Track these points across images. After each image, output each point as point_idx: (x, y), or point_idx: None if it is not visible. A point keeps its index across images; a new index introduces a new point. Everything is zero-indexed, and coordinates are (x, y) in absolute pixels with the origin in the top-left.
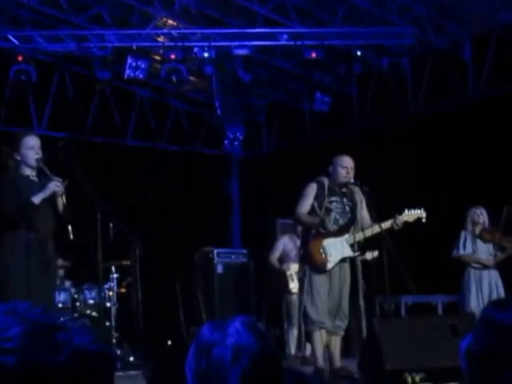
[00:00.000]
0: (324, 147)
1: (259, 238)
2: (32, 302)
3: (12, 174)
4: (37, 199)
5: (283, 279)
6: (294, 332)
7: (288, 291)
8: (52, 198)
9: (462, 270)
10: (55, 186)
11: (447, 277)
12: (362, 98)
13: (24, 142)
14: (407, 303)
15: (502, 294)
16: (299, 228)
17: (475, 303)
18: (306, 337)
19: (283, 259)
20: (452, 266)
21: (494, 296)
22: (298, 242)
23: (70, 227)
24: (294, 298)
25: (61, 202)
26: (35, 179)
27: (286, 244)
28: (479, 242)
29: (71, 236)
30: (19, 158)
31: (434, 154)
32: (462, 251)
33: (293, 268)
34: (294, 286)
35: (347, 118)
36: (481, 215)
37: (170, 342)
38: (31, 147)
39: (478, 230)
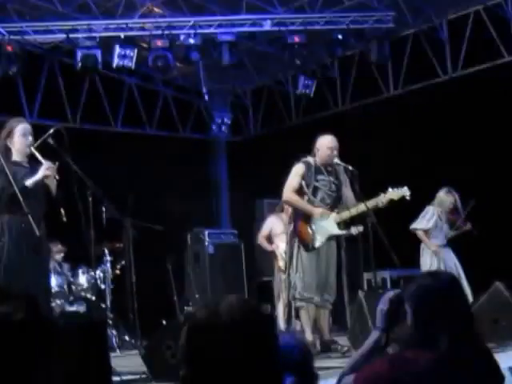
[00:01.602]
0: (309, 129)
1: (247, 218)
2: (25, 286)
3: (3, 160)
4: (29, 183)
5: (273, 258)
6: (284, 309)
7: (278, 269)
8: (44, 181)
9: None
10: (47, 169)
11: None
12: (345, 80)
13: (16, 129)
14: (393, 277)
15: (461, 269)
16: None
17: None
18: (295, 312)
19: (272, 239)
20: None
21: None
22: (285, 220)
23: (62, 210)
24: (282, 276)
25: (53, 184)
26: (27, 165)
27: (274, 223)
28: (442, 222)
29: (64, 218)
30: (10, 145)
31: (415, 135)
32: (418, 225)
33: (281, 247)
34: (282, 264)
35: (331, 100)
36: (454, 202)
37: (164, 322)
38: (23, 134)
39: (445, 214)
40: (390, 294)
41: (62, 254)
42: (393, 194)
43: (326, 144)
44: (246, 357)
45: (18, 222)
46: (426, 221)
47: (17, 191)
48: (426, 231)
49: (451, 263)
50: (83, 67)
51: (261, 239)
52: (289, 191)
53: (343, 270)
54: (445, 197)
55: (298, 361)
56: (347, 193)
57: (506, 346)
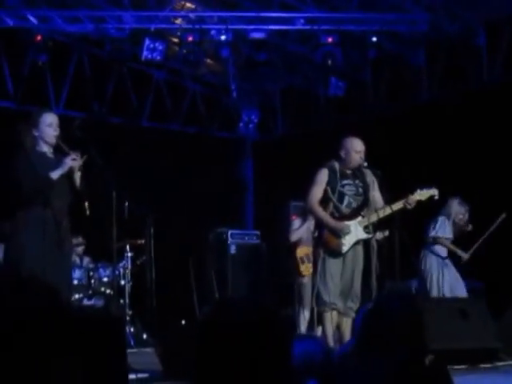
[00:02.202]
0: (338, 132)
1: (272, 220)
2: (48, 279)
3: (29, 150)
4: (55, 175)
5: (295, 261)
6: (306, 313)
7: (299, 273)
8: (69, 174)
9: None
10: (73, 160)
11: (459, 261)
12: (377, 83)
13: (43, 119)
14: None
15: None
16: None
17: (436, 291)
18: (318, 318)
19: (299, 242)
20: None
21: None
22: (311, 224)
23: (86, 203)
24: (306, 280)
25: (78, 177)
26: (52, 156)
27: (300, 226)
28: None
29: (87, 212)
30: (37, 135)
31: (446, 140)
32: (440, 233)
33: (304, 251)
34: (304, 268)
35: (361, 103)
36: (465, 214)
37: (184, 322)
38: (49, 124)
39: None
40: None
41: (83, 247)
42: (420, 194)
43: (353, 147)
44: (259, 359)
45: (42, 215)
46: (449, 229)
47: (41, 183)
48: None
49: (453, 279)
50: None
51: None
52: (313, 201)
53: (373, 275)
54: (457, 207)
55: (321, 365)
56: (375, 195)
57: None
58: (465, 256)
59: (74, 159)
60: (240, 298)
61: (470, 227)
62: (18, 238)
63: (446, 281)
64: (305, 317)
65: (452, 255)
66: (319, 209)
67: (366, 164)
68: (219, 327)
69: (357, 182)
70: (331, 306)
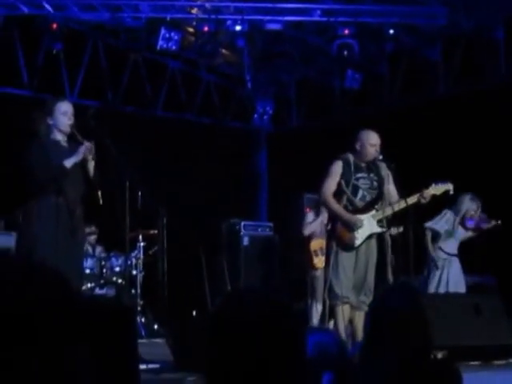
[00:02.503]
0: (353, 125)
1: (286, 212)
2: (60, 268)
3: (43, 138)
4: (68, 163)
5: (308, 254)
6: (318, 307)
7: (312, 266)
8: (82, 162)
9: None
10: (87, 149)
11: (472, 256)
12: (393, 76)
13: (57, 107)
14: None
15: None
16: None
17: (439, 288)
18: (330, 311)
19: (312, 235)
20: (477, 245)
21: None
22: (324, 217)
23: (99, 192)
24: (319, 273)
25: (91, 166)
26: (66, 145)
27: (313, 219)
28: (460, 228)
29: (101, 201)
30: (51, 123)
31: (461, 135)
32: (431, 225)
33: (318, 243)
34: (317, 261)
35: (377, 96)
36: (477, 211)
37: (195, 313)
38: (64, 112)
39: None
40: None
41: (95, 236)
42: (435, 188)
43: (368, 140)
44: (271, 351)
45: (56, 203)
46: (444, 222)
47: (55, 172)
48: (437, 234)
49: (457, 277)
50: None
51: (306, 233)
52: (326, 193)
53: (388, 268)
54: (469, 203)
55: (335, 357)
56: (390, 189)
57: None
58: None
59: (87, 148)
60: (251, 290)
61: (493, 223)
62: (31, 226)
63: (450, 278)
64: (317, 310)
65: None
66: (333, 201)
67: (381, 157)
68: (231, 319)
69: (371, 175)
70: (343, 300)
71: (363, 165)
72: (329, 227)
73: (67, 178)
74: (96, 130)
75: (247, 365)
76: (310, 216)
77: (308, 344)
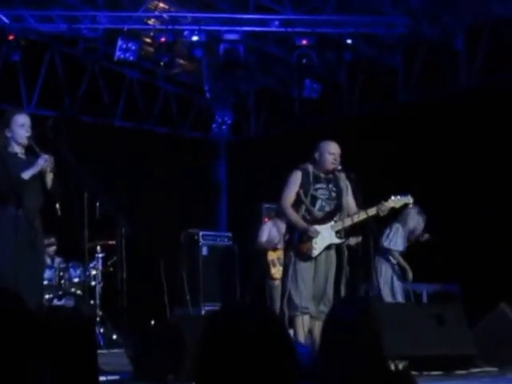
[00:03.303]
0: (312, 133)
1: (245, 222)
2: (19, 279)
3: (1, 150)
4: (26, 175)
5: (265, 264)
6: None
7: (270, 277)
8: (41, 174)
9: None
10: (44, 161)
11: (433, 265)
12: (352, 85)
13: (15, 120)
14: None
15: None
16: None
17: (390, 296)
18: (289, 321)
19: (267, 246)
20: (437, 255)
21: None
22: (282, 227)
23: (58, 204)
24: (277, 283)
25: (49, 178)
26: (23, 157)
27: (270, 230)
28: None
29: (59, 213)
30: (9, 135)
31: (421, 143)
32: (392, 246)
33: (275, 254)
34: (275, 271)
35: (336, 105)
36: (422, 224)
37: (153, 322)
38: (22, 125)
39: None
40: None
41: (54, 248)
42: (395, 201)
43: (328, 150)
44: (267, 362)
45: (15, 215)
46: (401, 240)
47: (14, 183)
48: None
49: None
50: None
51: (261, 242)
52: (285, 203)
53: (342, 280)
54: (418, 217)
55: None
56: (348, 200)
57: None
58: (410, 274)
59: (45, 160)
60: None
61: (426, 236)
62: None
63: (398, 288)
64: None
65: (424, 259)
66: (291, 211)
67: (340, 167)
68: (225, 331)
69: (330, 186)
70: (303, 310)
71: (322, 175)
72: (287, 237)
73: (26, 190)
74: (54, 141)
75: (239, 374)
76: (265, 225)
77: None
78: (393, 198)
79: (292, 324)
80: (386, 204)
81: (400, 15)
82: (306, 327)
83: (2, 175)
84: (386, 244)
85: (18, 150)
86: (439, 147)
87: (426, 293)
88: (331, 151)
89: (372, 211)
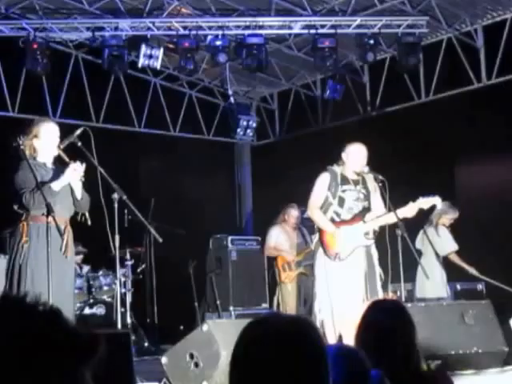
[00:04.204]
0: (336, 135)
1: (270, 225)
2: (52, 288)
3: (30, 160)
4: (56, 185)
5: (276, 269)
6: None
7: (281, 281)
8: (70, 183)
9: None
10: (73, 171)
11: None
12: (375, 85)
13: (43, 129)
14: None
15: None
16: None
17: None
18: (320, 324)
19: (277, 251)
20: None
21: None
22: (291, 233)
23: (87, 213)
24: (289, 287)
25: (79, 187)
26: (52, 166)
27: (278, 235)
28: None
29: (89, 222)
30: (38, 145)
31: (444, 141)
32: (451, 248)
33: (285, 258)
34: (285, 276)
35: (359, 105)
36: (455, 217)
37: (182, 327)
38: (50, 134)
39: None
40: None
41: (82, 256)
42: (423, 202)
43: (355, 152)
44: (303, 371)
45: (46, 225)
46: (451, 239)
47: (43, 194)
48: None
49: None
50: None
51: (270, 251)
52: (312, 205)
53: (377, 281)
54: (450, 210)
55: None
56: (376, 202)
57: None
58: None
59: (74, 169)
60: (272, 315)
61: None
62: (21, 248)
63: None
64: None
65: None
66: (319, 213)
67: (367, 169)
68: (261, 340)
69: (358, 187)
70: (333, 312)
71: (350, 177)
72: (316, 239)
73: (56, 200)
74: (83, 151)
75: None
76: (274, 231)
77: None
78: (421, 199)
79: (322, 327)
80: (414, 205)
81: (420, 14)
82: (337, 330)
83: (32, 186)
84: (440, 250)
85: (46, 159)
86: (462, 145)
87: (453, 290)
88: (358, 153)
89: (400, 212)
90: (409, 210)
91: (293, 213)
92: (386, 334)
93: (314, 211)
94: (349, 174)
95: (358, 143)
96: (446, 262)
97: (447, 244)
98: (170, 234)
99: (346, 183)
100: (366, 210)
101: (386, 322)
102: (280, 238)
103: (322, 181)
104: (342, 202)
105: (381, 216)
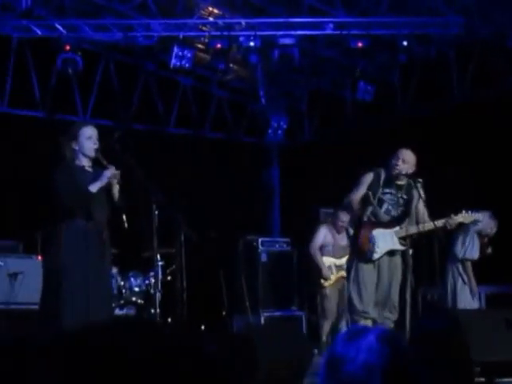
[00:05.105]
0: (366, 136)
1: (299, 227)
2: (90, 292)
3: (69, 163)
4: (94, 188)
5: (317, 271)
6: (326, 326)
7: (320, 284)
8: (107, 186)
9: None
10: (111, 174)
11: (490, 267)
12: (406, 86)
13: (82, 132)
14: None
15: None
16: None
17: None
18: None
19: (321, 251)
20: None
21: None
22: (335, 234)
23: (124, 216)
24: (328, 291)
25: (116, 190)
26: (90, 169)
27: (326, 235)
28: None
29: (126, 225)
30: (76, 148)
31: (477, 143)
32: (471, 255)
33: (327, 260)
34: (324, 279)
35: (389, 106)
36: (494, 229)
37: (203, 327)
38: (89, 137)
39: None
40: None
41: (112, 257)
42: (465, 217)
43: (401, 157)
44: None
45: (84, 227)
46: (476, 248)
47: (82, 197)
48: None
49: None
50: None
51: (315, 251)
52: (351, 197)
53: (408, 288)
54: (490, 221)
55: None
56: (420, 209)
57: None
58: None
59: (112, 173)
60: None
61: (489, 251)
62: (60, 250)
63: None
64: (326, 328)
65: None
66: (356, 206)
67: (409, 174)
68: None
69: (400, 192)
70: (363, 315)
71: (395, 181)
72: (351, 239)
73: (94, 203)
74: (121, 153)
75: None
76: (322, 230)
77: None
78: (464, 213)
79: None
80: (455, 218)
81: (454, 14)
82: None
83: (70, 189)
84: (460, 253)
85: (85, 162)
86: (496, 147)
87: (484, 295)
88: (406, 160)
89: (440, 223)
90: (448, 222)
91: (341, 216)
92: (440, 342)
93: (352, 202)
94: (394, 177)
95: (407, 149)
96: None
97: (474, 251)
98: (201, 236)
99: (388, 186)
100: (405, 215)
101: (440, 330)
102: (327, 238)
103: (365, 179)
104: (380, 203)
105: (420, 224)
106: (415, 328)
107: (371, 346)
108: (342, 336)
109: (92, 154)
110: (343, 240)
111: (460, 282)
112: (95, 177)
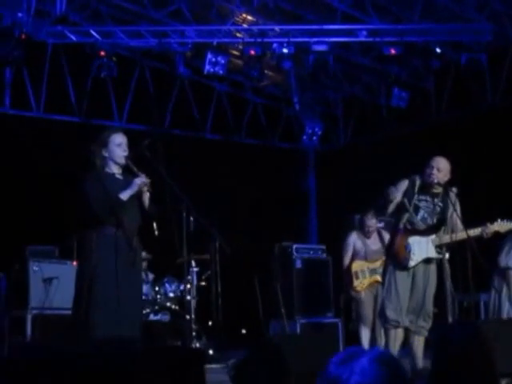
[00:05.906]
0: (400, 142)
1: (335, 233)
2: (120, 300)
3: (99, 171)
4: (124, 196)
5: (349, 276)
6: (366, 331)
7: (353, 289)
8: (138, 194)
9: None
10: (142, 181)
11: None
12: (440, 93)
13: (112, 139)
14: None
15: None
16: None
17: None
18: (385, 333)
19: (354, 258)
20: None
21: None
22: (366, 239)
23: (155, 224)
24: (361, 295)
25: (146, 197)
26: (120, 177)
27: (356, 241)
28: None
29: (156, 232)
30: (107, 155)
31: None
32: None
33: (359, 265)
34: (357, 283)
35: (424, 112)
36: None
37: (244, 331)
38: (119, 144)
39: None
40: None
41: (146, 263)
42: (501, 225)
43: (436, 165)
44: None
45: (114, 235)
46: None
47: (112, 204)
48: None
49: None
50: None
51: (346, 263)
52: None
53: (448, 297)
54: None
55: None
56: (455, 217)
57: None
58: None
59: (142, 180)
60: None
61: None
62: (90, 257)
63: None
64: (366, 334)
65: None
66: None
67: (436, 180)
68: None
69: (436, 200)
70: (392, 323)
71: (430, 189)
72: (387, 246)
73: (124, 210)
74: (151, 160)
75: None
76: (351, 237)
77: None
78: (499, 221)
79: (385, 336)
80: (490, 227)
81: (485, 20)
82: (399, 340)
83: (100, 196)
84: (503, 262)
85: (115, 169)
86: None
87: None
88: (440, 167)
89: (475, 232)
90: (484, 231)
91: (366, 221)
92: (464, 352)
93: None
94: (428, 185)
95: (441, 157)
96: None
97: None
98: (236, 242)
99: (423, 194)
100: (442, 223)
101: (466, 342)
102: (358, 245)
103: (401, 184)
104: (416, 210)
105: (456, 233)
106: (440, 335)
107: (364, 369)
108: (335, 358)
109: (122, 161)
110: (375, 244)
111: (504, 290)
112: (126, 184)
